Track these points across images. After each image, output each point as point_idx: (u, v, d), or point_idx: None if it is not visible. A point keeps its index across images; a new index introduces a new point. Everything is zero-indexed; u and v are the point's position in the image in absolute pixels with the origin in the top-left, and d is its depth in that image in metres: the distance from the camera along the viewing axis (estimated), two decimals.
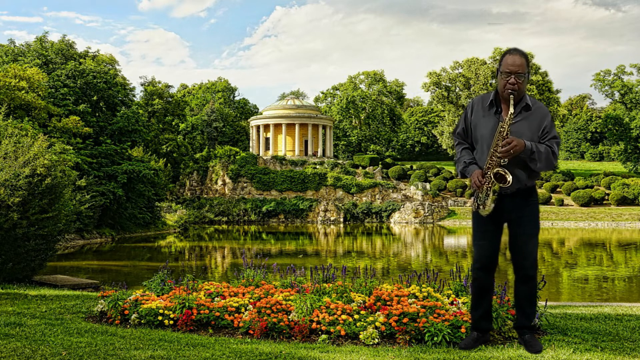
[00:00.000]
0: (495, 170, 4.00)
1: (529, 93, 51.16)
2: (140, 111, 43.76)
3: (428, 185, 51.21)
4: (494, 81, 54.20)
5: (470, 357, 4.14)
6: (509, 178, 3.96)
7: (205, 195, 52.51)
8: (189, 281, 6.28)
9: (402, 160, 69.54)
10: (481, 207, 4.14)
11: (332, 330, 4.91)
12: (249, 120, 63.54)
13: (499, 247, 4.35)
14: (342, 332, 4.87)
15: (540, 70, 56.23)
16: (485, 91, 49.82)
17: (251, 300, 5.68)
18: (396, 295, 5.42)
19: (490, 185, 4.03)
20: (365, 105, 70.74)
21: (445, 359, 4.12)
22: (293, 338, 4.95)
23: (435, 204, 48.31)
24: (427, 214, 46.75)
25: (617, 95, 60.92)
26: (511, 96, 3.99)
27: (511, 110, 3.99)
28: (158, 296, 6.08)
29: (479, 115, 4.23)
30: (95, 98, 34.97)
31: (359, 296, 5.58)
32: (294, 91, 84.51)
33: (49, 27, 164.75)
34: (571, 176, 52.76)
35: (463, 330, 4.61)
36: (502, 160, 3.97)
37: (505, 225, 4.30)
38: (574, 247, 28.54)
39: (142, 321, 5.53)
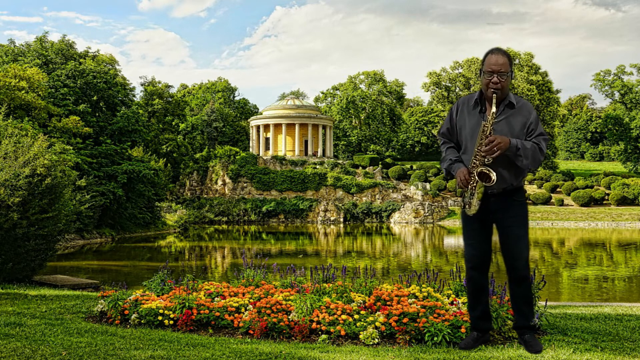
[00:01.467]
0: (479, 170, 3.99)
1: (530, 93, 51.23)
2: (140, 111, 43.76)
3: (428, 185, 51.21)
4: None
5: (470, 357, 4.14)
6: (493, 177, 3.95)
7: (205, 195, 52.51)
8: (189, 281, 6.28)
9: (402, 160, 69.51)
10: (467, 206, 4.12)
11: (332, 330, 4.91)
12: (249, 120, 63.55)
13: (489, 246, 4.34)
14: (342, 332, 4.87)
15: (540, 70, 56.22)
16: None
17: (251, 300, 5.68)
18: (396, 295, 5.42)
19: (474, 184, 4.02)
20: (365, 105, 70.74)
21: (445, 358, 4.12)
22: (293, 338, 4.95)
23: (435, 204, 48.32)
24: (427, 214, 46.76)
25: (617, 95, 60.94)
26: (494, 95, 3.99)
27: (493, 109, 3.98)
28: (158, 296, 6.08)
29: (463, 115, 4.23)
30: (95, 98, 34.98)
31: (359, 296, 5.58)
32: (294, 91, 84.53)
33: (49, 27, 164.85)
34: (571, 176, 52.77)
35: (463, 330, 4.61)
36: (486, 159, 3.96)
37: (495, 226, 4.29)
38: (574, 247, 28.54)
39: (142, 321, 5.53)
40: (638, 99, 58.76)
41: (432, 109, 75.30)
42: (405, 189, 51.49)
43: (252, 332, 5.08)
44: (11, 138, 11.64)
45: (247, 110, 75.17)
